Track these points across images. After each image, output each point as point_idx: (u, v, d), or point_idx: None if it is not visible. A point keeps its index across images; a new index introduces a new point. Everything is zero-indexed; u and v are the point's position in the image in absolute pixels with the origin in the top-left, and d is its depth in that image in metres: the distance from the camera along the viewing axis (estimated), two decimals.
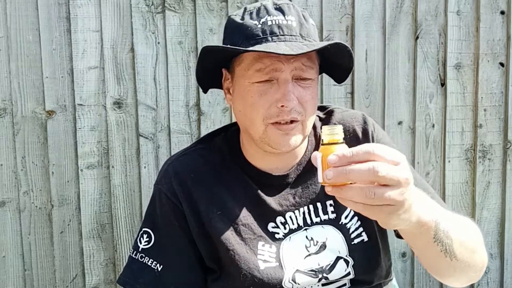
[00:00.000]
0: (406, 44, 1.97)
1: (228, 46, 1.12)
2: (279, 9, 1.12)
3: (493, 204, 2.11)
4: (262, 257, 1.16)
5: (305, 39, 1.11)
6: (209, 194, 1.18)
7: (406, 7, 1.96)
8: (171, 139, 1.85)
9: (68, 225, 1.82)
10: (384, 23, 1.94)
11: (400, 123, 2.00)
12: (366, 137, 1.24)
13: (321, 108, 1.33)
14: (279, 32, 1.09)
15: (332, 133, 0.85)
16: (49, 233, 1.81)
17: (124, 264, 1.84)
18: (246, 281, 1.14)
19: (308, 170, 1.22)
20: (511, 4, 2.02)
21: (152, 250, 1.19)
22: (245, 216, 1.17)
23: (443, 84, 2.02)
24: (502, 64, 2.05)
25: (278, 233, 1.18)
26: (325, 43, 1.07)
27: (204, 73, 1.22)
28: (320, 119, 1.29)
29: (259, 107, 1.10)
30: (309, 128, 1.16)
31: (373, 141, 1.24)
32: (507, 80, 2.05)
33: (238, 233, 1.16)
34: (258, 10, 1.13)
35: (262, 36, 1.09)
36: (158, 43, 1.81)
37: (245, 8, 1.15)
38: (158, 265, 1.17)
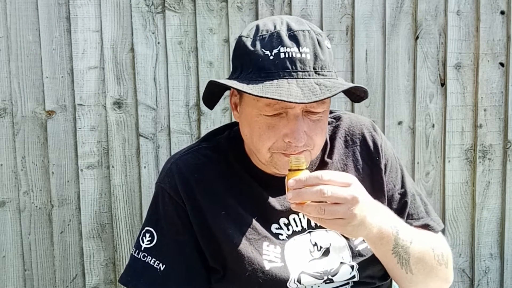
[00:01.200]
0: (406, 44, 1.97)
1: (236, 84, 1.06)
2: (294, 37, 1.05)
3: (493, 204, 2.11)
4: (268, 257, 1.15)
5: (319, 74, 1.05)
6: (213, 194, 1.17)
7: (406, 7, 1.96)
8: (171, 139, 1.84)
9: (68, 225, 1.82)
10: (384, 23, 1.94)
11: (400, 123, 2.00)
12: (377, 152, 1.25)
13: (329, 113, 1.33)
14: (292, 68, 1.03)
15: (298, 161, 1.02)
16: (49, 233, 1.81)
17: (125, 263, 1.84)
18: (250, 281, 1.13)
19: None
20: (511, 4, 2.02)
21: (154, 249, 1.18)
22: (249, 216, 1.16)
23: (443, 84, 2.02)
24: (502, 64, 2.05)
25: (281, 234, 1.17)
26: (339, 89, 1.03)
27: (210, 93, 1.20)
28: (331, 124, 1.28)
29: (265, 139, 1.08)
30: (317, 153, 1.15)
31: (382, 154, 1.25)
32: (507, 80, 2.05)
33: (242, 233, 1.15)
34: (271, 37, 1.06)
35: (273, 71, 1.03)
36: (158, 43, 1.81)
37: (257, 28, 1.09)
38: (160, 264, 1.16)
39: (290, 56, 1.04)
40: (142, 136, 1.83)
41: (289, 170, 1.03)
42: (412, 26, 1.97)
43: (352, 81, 1.93)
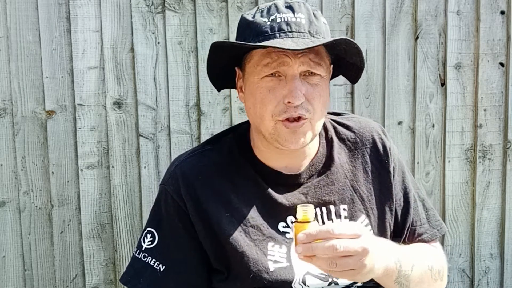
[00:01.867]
0: (406, 44, 1.97)
1: (234, 41, 1.13)
2: (290, 7, 1.13)
3: (493, 204, 2.11)
4: (273, 257, 1.15)
5: (313, 36, 1.12)
6: (217, 196, 1.17)
7: (406, 7, 1.96)
8: (171, 139, 1.85)
9: (68, 225, 1.82)
10: (384, 23, 1.94)
11: (400, 123, 2.00)
12: (386, 156, 1.27)
13: (336, 114, 1.34)
14: (287, 29, 1.10)
15: (305, 213, 1.02)
16: (49, 233, 1.81)
17: (125, 263, 1.84)
18: (255, 283, 1.13)
19: (321, 172, 1.23)
20: (511, 4, 2.02)
21: (155, 250, 1.18)
22: (254, 217, 1.16)
23: (443, 84, 2.02)
24: (502, 64, 2.05)
25: (288, 233, 1.18)
26: (330, 39, 1.09)
27: (218, 71, 1.23)
28: (339, 124, 1.30)
29: (267, 103, 1.11)
30: (318, 127, 1.17)
31: (390, 158, 1.28)
32: (507, 80, 2.05)
33: (247, 234, 1.15)
34: (269, 8, 1.14)
35: (270, 33, 1.10)
36: (158, 43, 1.81)
37: (258, 7, 1.18)
38: (160, 265, 1.17)
39: (286, 20, 1.11)
40: (142, 136, 1.83)
41: (296, 221, 1.03)
42: (412, 26, 1.97)
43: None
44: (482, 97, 2.04)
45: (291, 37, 1.09)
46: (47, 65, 1.75)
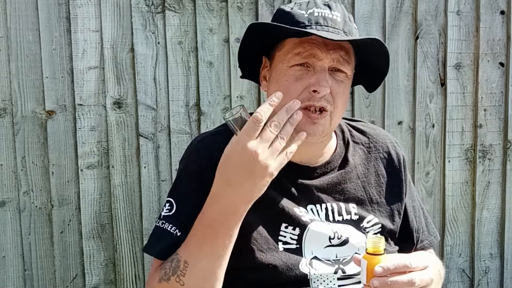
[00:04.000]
0: (406, 44, 1.97)
1: (274, 23, 1.16)
2: (327, 5, 1.19)
3: (493, 204, 2.11)
4: (284, 238, 1.19)
5: (346, 35, 1.16)
6: None
7: (406, 7, 1.96)
8: (171, 139, 1.85)
9: (68, 225, 1.82)
10: (384, 23, 1.94)
11: (400, 123, 2.00)
12: (399, 165, 1.33)
13: (351, 120, 1.40)
14: (324, 23, 1.14)
15: (377, 244, 1.04)
16: (49, 233, 1.81)
17: (125, 263, 1.85)
18: (263, 260, 1.16)
19: (336, 170, 1.27)
20: (511, 4, 2.02)
21: (172, 217, 1.21)
22: (269, 198, 1.18)
23: (443, 84, 2.02)
24: (502, 64, 2.05)
25: (304, 216, 1.20)
26: (366, 37, 1.15)
27: (245, 58, 1.27)
28: (354, 128, 1.35)
29: (293, 90, 1.14)
30: (336, 123, 1.21)
31: (404, 170, 1.33)
32: (507, 80, 2.05)
33: (261, 213, 1.17)
34: (308, 2, 1.19)
35: (307, 24, 1.14)
36: (158, 43, 1.81)
37: (295, 2, 1.22)
38: (177, 230, 1.19)
39: (323, 15, 1.15)
40: (142, 136, 1.83)
41: (367, 253, 1.06)
42: (412, 26, 1.97)
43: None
44: (482, 97, 2.04)
45: (326, 31, 1.13)
46: (47, 65, 1.75)
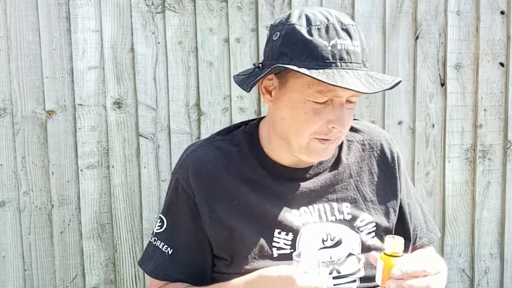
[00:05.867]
0: (406, 44, 1.97)
1: (305, 72, 1.07)
2: (347, 31, 1.11)
3: (493, 204, 2.11)
4: (277, 244, 1.18)
5: (365, 66, 1.14)
6: (226, 185, 1.20)
7: (406, 7, 1.96)
8: (171, 139, 1.85)
9: (68, 225, 1.82)
10: (384, 23, 1.94)
11: (400, 123, 2.00)
12: (393, 162, 1.32)
13: None
14: (348, 59, 1.10)
15: (395, 246, 1.04)
16: (49, 233, 1.81)
17: (125, 263, 1.86)
18: (258, 267, 1.15)
19: (328, 170, 1.26)
20: (511, 4, 2.02)
21: (163, 234, 1.24)
22: (261, 205, 1.19)
23: (443, 84, 2.02)
24: (502, 64, 2.05)
25: (296, 221, 1.21)
26: (390, 84, 1.11)
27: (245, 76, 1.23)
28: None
29: (311, 123, 1.13)
30: (343, 138, 1.23)
31: (398, 167, 1.32)
32: (507, 80, 2.05)
33: (254, 221, 1.18)
34: (327, 28, 1.10)
35: (332, 60, 1.09)
36: (158, 43, 1.81)
37: (308, 19, 1.11)
38: (169, 248, 1.22)
39: (346, 48, 1.10)
40: (142, 136, 1.83)
41: (385, 254, 1.06)
42: (412, 26, 1.97)
43: None
44: (482, 97, 2.04)
45: (351, 69, 1.09)
46: (47, 65, 1.75)
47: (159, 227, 1.25)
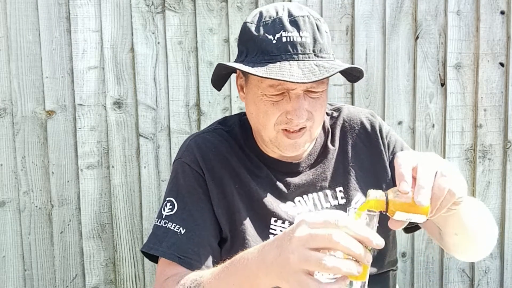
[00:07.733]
0: (406, 44, 1.97)
1: (241, 68, 1.13)
2: (295, 22, 1.13)
3: (493, 204, 2.11)
4: (274, 231, 1.20)
5: (318, 56, 1.13)
6: (229, 168, 1.23)
7: (406, 7, 1.96)
8: (171, 139, 1.85)
9: (68, 225, 1.82)
10: (384, 23, 1.94)
11: (400, 123, 2.00)
12: (375, 135, 1.30)
13: (329, 106, 1.38)
14: (293, 51, 1.11)
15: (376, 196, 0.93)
16: (49, 233, 1.81)
17: (125, 263, 1.85)
18: None
19: (318, 160, 1.28)
20: (511, 4, 2.02)
21: (175, 216, 1.22)
22: (260, 192, 1.22)
23: (443, 84, 2.02)
24: (502, 64, 2.05)
25: (291, 210, 1.23)
26: (336, 70, 1.10)
27: (218, 75, 1.26)
28: (329, 115, 1.34)
29: (271, 114, 1.15)
30: (317, 133, 1.22)
31: (381, 139, 1.30)
32: (507, 80, 2.05)
33: (253, 207, 1.20)
34: (274, 22, 1.13)
35: (276, 54, 1.11)
36: (158, 43, 1.81)
37: (261, 15, 1.16)
38: (181, 228, 1.20)
39: (292, 40, 1.11)
40: (142, 136, 1.83)
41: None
42: (412, 26, 1.97)
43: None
44: (482, 97, 2.04)
45: (296, 60, 1.11)
46: (47, 65, 1.75)
47: (170, 210, 1.23)
